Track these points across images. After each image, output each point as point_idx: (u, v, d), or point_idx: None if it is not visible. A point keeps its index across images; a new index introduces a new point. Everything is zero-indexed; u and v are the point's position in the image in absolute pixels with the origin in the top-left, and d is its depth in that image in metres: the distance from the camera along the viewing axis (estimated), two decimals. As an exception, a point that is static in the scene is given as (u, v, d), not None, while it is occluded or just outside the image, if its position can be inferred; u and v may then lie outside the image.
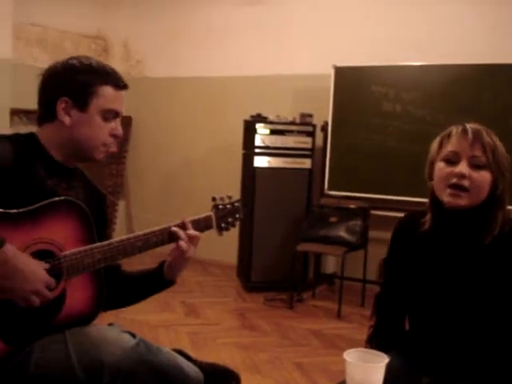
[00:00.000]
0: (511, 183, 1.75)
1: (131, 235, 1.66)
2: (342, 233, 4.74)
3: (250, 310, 4.64)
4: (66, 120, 1.65)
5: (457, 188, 1.67)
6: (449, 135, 1.73)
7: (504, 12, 4.73)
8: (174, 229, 1.71)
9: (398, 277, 1.88)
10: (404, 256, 1.87)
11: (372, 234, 4.89)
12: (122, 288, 1.83)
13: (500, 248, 1.69)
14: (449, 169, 1.69)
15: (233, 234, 5.43)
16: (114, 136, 1.72)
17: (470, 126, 1.70)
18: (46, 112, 1.68)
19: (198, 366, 1.70)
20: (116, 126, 1.72)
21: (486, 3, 4.79)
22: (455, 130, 1.72)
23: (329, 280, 5.42)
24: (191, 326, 4.22)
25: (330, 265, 5.51)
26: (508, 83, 4.49)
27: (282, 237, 5.07)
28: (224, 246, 5.10)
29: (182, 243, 1.71)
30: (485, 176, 1.67)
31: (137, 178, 6.59)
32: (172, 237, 1.72)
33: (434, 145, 1.78)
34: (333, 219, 4.83)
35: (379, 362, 1.29)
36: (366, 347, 1.94)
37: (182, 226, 1.74)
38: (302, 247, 4.77)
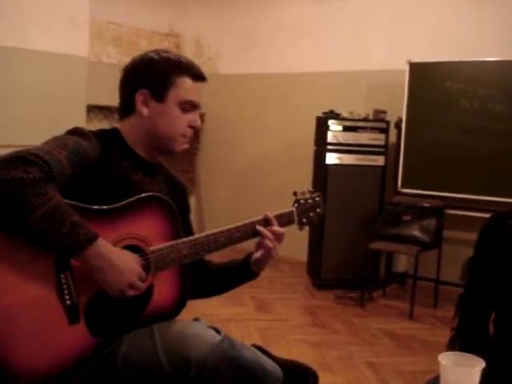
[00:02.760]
0: None
1: (216, 230, 1.68)
2: (416, 232, 4.65)
3: (319, 308, 4.62)
4: (145, 111, 1.67)
5: None
6: None
7: None
8: (258, 227, 1.72)
9: (484, 278, 1.85)
10: (491, 257, 1.83)
11: (447, 233, 4.78)
12: (208, 278, 1.87)
13: None
14: None
15: (303, 231, 5.41)
16: (192, 127, 1.73)
17: None
18: (126, 105, 1.71)
19: (277, 362, 1.71)
20: (194, 117, 1.72)
21: None
22: None
23: (400, 279, 5.33)
24: (261, 321, 4.24)
25: (402, 264, 5.42)
26: None
27: (353, 234, 5.03)
28: (294, 243, 5.05)
29: (268, 242, 1.72)
30: None
31: (208, 174, 6.67)
32: (256, 233, 1.73)
33: None
34: (406, 218, 4.75)
35: (475, 366, 1.25)
36: (447, 350, 1.90)
37: (266, 222, 1.74)
38: (374, 245, 4.71)
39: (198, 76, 1.72)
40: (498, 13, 4.85)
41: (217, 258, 1.82)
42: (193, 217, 6.09)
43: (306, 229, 5.78)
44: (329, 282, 5.06)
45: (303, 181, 5.23)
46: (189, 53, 6.62)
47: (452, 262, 4.61)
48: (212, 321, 3.98)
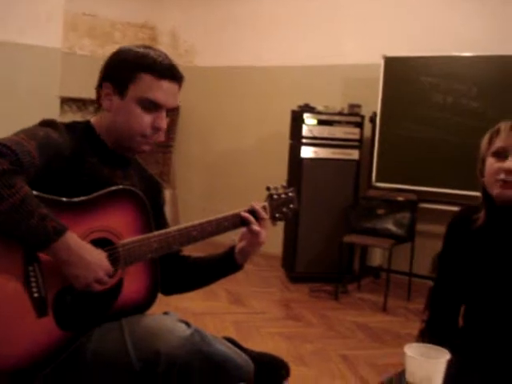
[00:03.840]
0: None
1: (188, 224, 1.67)
2: (390, 225, 4.69)
3: (294, 301, 4.64)
4: (107, 105, 1.64)
5: (505, 182, 1.67)
6: (497, 131, 1.74)
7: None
8: (245, 214, 1.73)
9: (452, 272, 1.88)
10: (459, 251, 1.86)
11: (420, 227, 4.82)
12: (185, 272, 1.86)
13: None
14: (498, 164, 1.69)
15: (278, 225, 5.42)
16: (154, 128, 1.64)
17: None
18: (96, 98, 1.68)
19: (248, 354, 1.71)
20: (158, 117, 1.63)
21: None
22: (504, 125, 1.73)
23: (374, 273, 5.37)
24: (236, 314, 4.24)
25: (376, 257, 5.46)
26: None
27: (328, 228, 5.05)
28: (269, 237, 5.09)
29: (255, 227, 1.73)
30: None
31: (184, 167, 6.64)
32: (242, 221, 1.74)
33: (484, 141, 1.79)
34: (380, 211, 4.79)
35: (441, 358, 1.26)
36: (417, 341, 1.92)
37: (251, 212, 1.75)
38: (349, 239, 4.74)
39: (165, 74, 1.62)
40: (473, 8, 4.89)
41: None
42: (167, 210, 6.06)
43: (281, 223, 5.79)
44: (304, 276, 5.08)
45: (279, 174, 5.25)
46: (164, 45, 6.58)
47: (425, 255, 4.65)
48: (186, 315, 3.99)
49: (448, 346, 1.81)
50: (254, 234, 1.74)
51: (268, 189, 1.84)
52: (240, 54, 6.15)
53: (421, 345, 1.31)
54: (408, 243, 4.77)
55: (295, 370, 3.26)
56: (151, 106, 1.61)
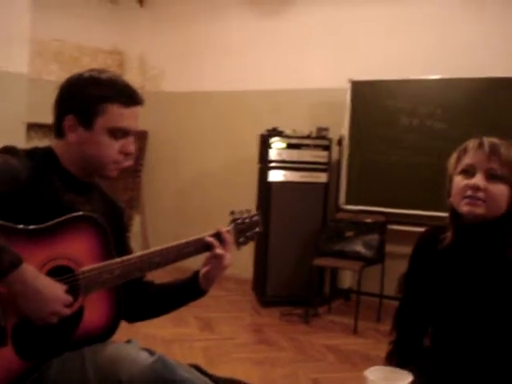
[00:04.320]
0: None
1: (151, 250, 1.65)
2: (359, 247, 4.70)
3: (265, 325, 4.61)
4: (72, 138, 1.62)
5: (472, 199, 1.66)
6: (465, 149, 1.73)
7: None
8: (209, 239, 1.71)
9: (418, 292, 1.87)
10: (425, 271, 1.85)
11: (389, 248, 4.84)
12: (148, 299, 1.83)
13: None
14: (465, 181, 1.68)
15: (248, 249, 5.41)
16: (124, 154, 1.66)
17: (486, 139, 1.70)
18: (57, 127, 1.66)
19: (214, 381, 1.68)
20: (127, 143, 1.65)
21: (506, 16, 4.76)
22: (472, 143, 1.72)
23: (345, 295, 5.37)
24: (206, 340, 4.19)
25: (346, 279, 5.46)
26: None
27: (298, 251, 5.04)
28: (239, 261, 5.04)
29: (219, 250, 1.71)
30: (501, 188, 1.66)
31: (153, 192, 6.60)
32: (206, 247, 1.72)
33: (452, 160, 1.78)
34: (349, 234, 4.80)
35: (402, 381, 1.26)
36: (385, 363, 1.92)
37: (216, 236, 1.74)
38: (318, 262, 4.74)
39: (131, 101, 1.64)
40: (436, 32, 4.99)
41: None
42: (137, 235, 5.97)
43: (251, 246, 5.72)
44: (274, 299, 5.05)
45: (248, 198, 5.25)
46: (133, 70, 6.57)
47: (395, 276, 4.62)
48: (155, 342, 3.94)
49: (415, 367, 1.83)
50: (218, 258, 1.72)
51: (232, 213, 1.84)
52: (208, 79, 6.17)
53: (382, 368, 1.31)
54: (378, 265, 4.79)
55: (266, 396, 3.26)
56: (120, 133, 1.63)
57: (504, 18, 4.77)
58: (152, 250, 1.65)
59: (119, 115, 1.61)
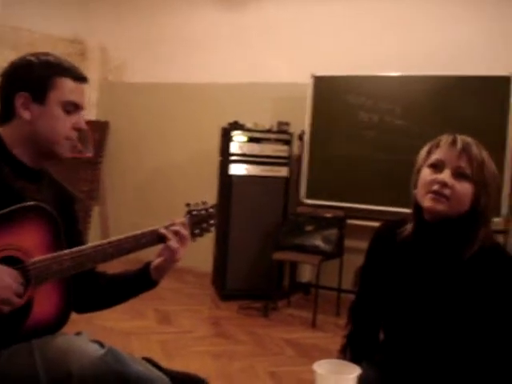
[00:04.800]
0: (496, 202, 1.74)
1: (104, 241, 1.62)
2: (318, 241, 4.73)
3: (224, 318, 4.60)
4: (26, 115, 1.62)
5: (437, 194, 1.66)
6: (438, 144, 1.72)
7: (484, 24, 4.77)
8: (163, 231, 1.69)
9: (373, 286, 1.88)
10: (380, 265, 1.86)
11: (348, 242, 4.89)
12: (99, 290, 1.80)
13: (478, 264, 1.68)
14: (432, 176, 1.68)
15: (208, 242, 5.43)
16: (76, 129, 1.68)
17: (460, 137, 1.69)
18: (5, 110, 1.65)
19: (167, 374, 1.67)
20: (79, 119, 1.68)
21: (467, 15, 4.84)
22: (445, 139, 1.71)
23: (304, 289, 5.40)
24: (163, 334, 4.16)
25: (306, 273, 5.49)
26: (484, 94, 4.53)
27: (258, 245, 5.05)
28: (199, 254, 5.07)
29: (173, 242, 1.69)
30: (466, 187, 1.66)
31: (113, 183, 6.53)
32: (160, 238, 1.70)
33: (422, 152, 1.76)
34: (308, 228, 4.83)
35: (350, 374, 1.26)
36: (339, 357, 1.93)
37: (169, 227, 1.72)
38: (278, 256, 4.75)
39: (79, 77, 1.68)
40: (399, 29, 5.04)
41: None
42: (97, 227, 5.89)
43: (212, 240, 5.70)
44: (234, 293, 5.04)
45: (210, 191, 5.24)
46: (94, 60, 6.48)
47: (353, 270, 4.71)
48: (112, 335, 3.91)
49: (370, 361, 1.84)
50: (171, 251, 1.70)
51: (188, 205, 1.82)
52: (170, 70, 6.12)
53: (331, 361, 1.31)
54: (336, 259, 4.83)
55: (222, 389, 3.25)
56: (72, 108, 1.66)
57: (464, 16, 4.85)
58: (105, 240, 1.62)
59: (70, 89, 1.65)
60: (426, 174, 1.70)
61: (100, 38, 6.50)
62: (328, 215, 4.89)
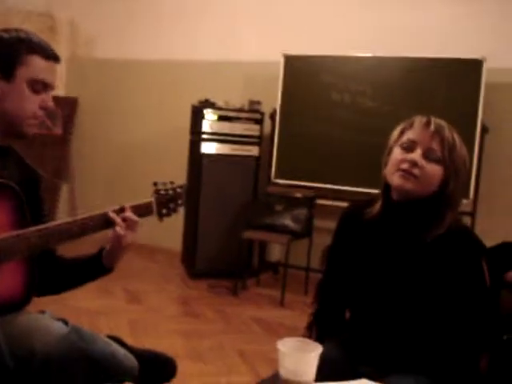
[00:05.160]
0: (464, 186, 1.76)
1: (69, 219, 1.60)
2: (287, 221, 4.75)
3: (193, 297, 4.61)
4: None
5: (406, 173, 1.67)
6: (411, 124, 1.73)
7: (456, 7, 4.78)
8: (111, 214, 1.65)
9: (340, 266, 1.89)
10: (347, 245, 1.88)
11: (317, 222, 4.91)
12: (58, 273, 1.78)
13: (443, 246, 1.70)
14: (403, 155, 1.69)
15: (178, 221, 5.41)
16: (44, 108, 1.65)
17: (434, 119, 1.71)
18: None
19: (133, 352, 1.67)
20: (46, 97, 1.64)
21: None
22: (419, 120, 1.72)
23: (273, 268, 5.43)
24: (132, 312, 4.16)
25: (276, 253, 5.52)
26: (455, 77, 4.56)
27: (228, 224, 5.05)
28: (169, 233, 5.06)
29: (119, 229, 1.65)
30: (436, 169, 1.67)
31: (82, 161, 6.45)
32: (109, 222, 1.65)
33: (395, 132, 1.77)
34: (278, 207, 4.84)
35: (311, 352, 1.27)
36: (305, 334, 1.95)
37: (120, 211, 1.68)
38: (248, 235, 4.76)
39: (50, 55, 1.64)
40: (370, 10, 5.03)
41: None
42: (65, 205, 5.82)
43: (181, 219, 5.67)
44: (204, 272, 5.05)
45: (179, 169, 5.21)
46: (63, 35, 6.37)
47: (322, 250, 4.74)
48: (80, 314, 3.89)
49: (336, 340, 1.86)
50: (118, 237, 1.66)
51: (155, 184, 1.80)
52: (141, 47, 6.04)
53: (294, 339, 1.32)
54: (306, 239, 4.86)
55: (192, 367, 3.27)
56: (40, 87, 1.62)
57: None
58: (71, 219, 1.59)
59: (40, 67, 1.62)
60: (397, 153, 1.72)
61: (70, 12, 6.37)
62: (298, 195, 4.91)
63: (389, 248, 1.77)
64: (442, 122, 1.71)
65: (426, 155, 1.68)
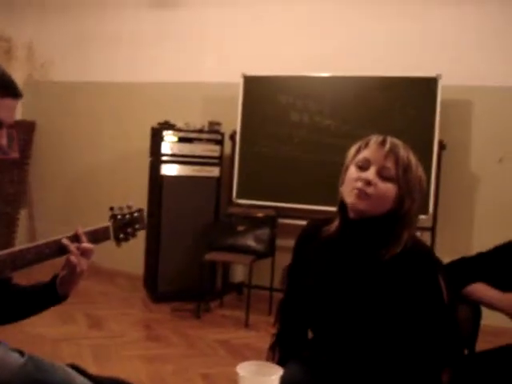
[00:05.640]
0: (421, 205, 1.78)
1: (23, 246, 1.55)
2: (250, 241, 4.74)
3: (156, 321, 4.55)
4: None
5: (360, 192, 1.68)
6: (367, 143, 1.74)
7: (410, 24, 4.87)
8: (65, 241, 1.59)
9: (300, 284, 1.89)
10: (306, 263, 1.88)
11: (279, 242, 4.91)
12: (13, 302, 1.71)
13: (400, 264, 1.71)
14: (358, 174, 1.70)
15: (139, 244, 5.35)
16: None
17: (389, 139, 1.72)
18: None
19: (93, 381, 1.63)
20: None
21: (392, 16, 4.92)
22: (375, 138, 1.74)
23: (237, 289, 5.40)
24: (94, 339, 4.08)
25: (239, 274, 5.49)
26: (411, 95, 4.64)
27: (190, 246, 5.01)
28: (130, 256, 4.99)
29: (72, 258, 1.58)
30: (390, 188, 1.69)
31: (40, 185, 6.34)
32: (63, 250, 1.59)
33: (352, 150, 1.78)
34: (240, 228, 4.84)
35: (272, 375, 1.26)
36: (268, 355, 1.94)
37: (75, 238, 1.62)
38: (210, 256, 4.74)
39: (9, 92, 1.56)
40: (328, 30, 5.10)
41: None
42: (24, 230, 5.70)
43: (143, 242, 5.60)
44: (166, 295, 4.99)
45: (140, 192, 5.17)
46: (20, 58, 6.29)
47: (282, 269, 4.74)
48: (42, 341, 3.80)
49: (299, 358, 1.86)
50: (72, 264, 1.60)
51: (111, 209, 1.77)
52: (98, 69, 6.00)
53: (253, 363, 1.31)
54: (269, 258, 4.85)
55: (154, 393, 3.22)
56: None
57: (392, 17, 4.93)
58: (25, 246, 1.53)
59: None
60: (352, 171, 1.73)
61: (27, 35, 6.31)
62: (260, 215, 4.91)
63: (346, 266, 1.77)
64: (398, 142, 1.73)
65: (380, 174, 1.69)
